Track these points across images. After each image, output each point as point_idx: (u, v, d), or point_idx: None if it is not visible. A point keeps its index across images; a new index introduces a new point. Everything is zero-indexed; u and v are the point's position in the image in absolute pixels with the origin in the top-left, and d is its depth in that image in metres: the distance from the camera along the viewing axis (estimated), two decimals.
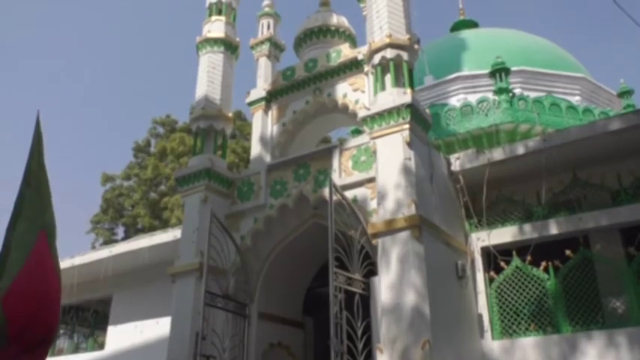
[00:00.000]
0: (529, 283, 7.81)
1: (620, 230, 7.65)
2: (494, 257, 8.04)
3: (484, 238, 8.23)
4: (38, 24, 46.41)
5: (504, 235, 8.17)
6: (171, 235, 11.22)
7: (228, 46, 10.63)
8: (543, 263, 7.71)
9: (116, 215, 25.77)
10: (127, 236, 23.52)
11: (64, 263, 12.93)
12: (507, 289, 7.95)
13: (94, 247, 23.07)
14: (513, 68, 12.79)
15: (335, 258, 6.82)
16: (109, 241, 23.71)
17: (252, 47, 11.46)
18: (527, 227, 8.04)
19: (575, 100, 13.35)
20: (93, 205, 38.02)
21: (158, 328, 11.61)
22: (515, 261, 7.93)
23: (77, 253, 13.24)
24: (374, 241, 7.22)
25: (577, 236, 7.72)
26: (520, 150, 8.15)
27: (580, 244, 7.64)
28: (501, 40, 15.22)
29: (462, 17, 18.50)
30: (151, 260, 11.70)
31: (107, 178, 26.18)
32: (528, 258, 7.81)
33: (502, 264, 7.98)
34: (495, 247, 8.06)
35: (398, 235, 6.97)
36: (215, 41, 10.55)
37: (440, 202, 7.85)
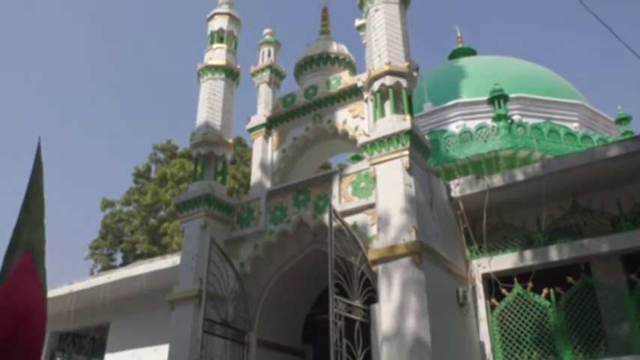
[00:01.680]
0: (531, 310, 7.74)
1: (621, 257, 7.63)
2: (495, 284, 7.99)
3: (485, 265, 8.19)
4: (39, 49, 46.93)
5: (505, 261, 8.14)
6: (170, 261, 11.16)
7: (229, 73, 10.74)
8: (545, 290, 7.65)
9: (115, 241, 25.67)
10: (125, 262, 23.38)
11: (62, 290, 12.87)
12: (509, 316, 7.88)
13: (92, 273, 22.91)
14: (511, 95, 12.89)
15: (335, 285, 6.77)
16: (107, 267, 23.56)
17: (252, 74, 11.58)
18: (528, 254, 8.01)
19: (574, 126, 13.41)
20: (92, 230, 37.86)
21: (156, 356, 11.46)
22: (517, 288, 7.88)
23: (76, 279, 13.16)
24: (374, 268, 7.18)
25: (578, 263, 7.68)
26: (519, 176, 8.17)
27: (581, 270, 7.60)
28: (499, 67, 15.37)
29: (460, 45, 18.70)
30: (150, 287, 11.62)
31: (107, 204, 26.15)
32: (530, 285, 7.76)
33: (503, 291, 7.93)
34: (496, 273, 8.02)
35: (398, 262, 6.93)
36: (216, 68, 10.66)
37: (440, 229, 7.84)
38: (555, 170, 7.91)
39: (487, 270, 8.14)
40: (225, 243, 9.18)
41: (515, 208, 8.49)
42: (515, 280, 7.93)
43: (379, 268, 7.10)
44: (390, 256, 7.02)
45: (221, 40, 11.08)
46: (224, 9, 11.33)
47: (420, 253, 6.89)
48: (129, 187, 26.56)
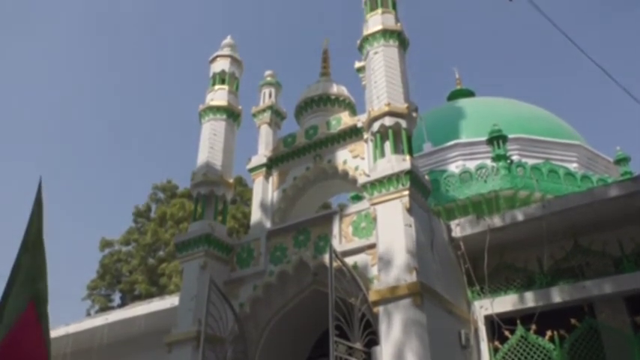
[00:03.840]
0: (535, 353, 7.60)
1: (624, 298, 7.55)
2: (498, 326, 7.87)
3: (487, 306, 8.10)
4: (39, 88, 47.57)
5: (507, 303, 8.05)
6: (169, 302, 11.04)
7: (230, 113, 10.86)
8: (548, 332, 7.54)
9: (113, 281, 25.43)
10: (123, 303, 23.12)
11: (58, 331, 12.66)
12: (513, 359, 7.73)
13: (89, 315, 22.61)
14: (510, 136, 13.01)
15: (335, 326, 6.67)
16: (105, 308, 23.27)
17: (254, 115, 11.71)
18: (530, 295, 7.93)
19: (573, 167, 13.48)
20: (90, 270, 37.56)
21: None
22: (520, 330, 7.76)
23: (72, 321, 12.98)
24: (375, 309, 7.10)
25: (582, 304, 7.59)
26: (520, 216, 8.16)
27: (585, 312, 7.51)
28: (498, 108, 15.55)
29: (458, 86, 18.97)
30: (148, 328, 11.44)
31: (106, 244, 26.01)
32: (533, 327, 7.65)
33: (506, 333, 7.81)
34: (499, 315, 7.91)
35: (399, 303, 6.86)
36: (218, 109, 10.78)
37: (441, 269, 7.78)
38: (556, 210, 7.92)
39: (489, 311, 8.04)
40: (225, 284, 9.10)
41: (517, 248, 8.45)
42: (518, 322, 7.82)
43: (380, 309, 7.02)
44: (390, 297, 6.95)
45: (223, 82, 11.24)
46: (226, 51, 11.55)
47: (422, 294, 6.82)
48: (128, 227, 26.49)
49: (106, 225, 48.15)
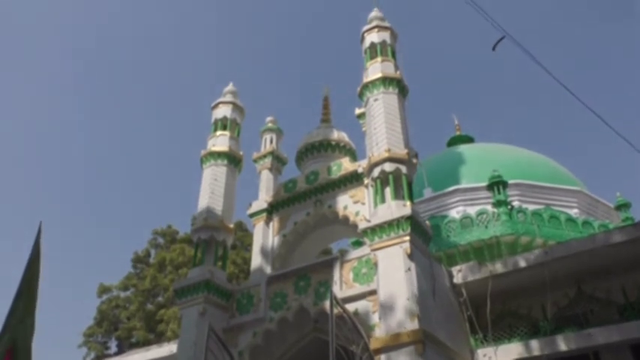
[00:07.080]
0: None
1: (630, 346, 7.41)
2: None
3: (491, 355, 7.94)
4: (39, 134, 48.05)
5: (512, 351, 7.90)
6: (167, 349, 10.85)
7: (232, 159, 10.93)
8: None
9: (111, 328, 24.98)
10: (120, 350, 22.65)
11: None
12: None
13: None
14: (510, 181, 13.04)
15: None
16: (101, 356, 22.80)
17: (254, 160, 11.80)
18: (534, 343, 7.79)
19: (574, 212, 13.45)
20: (87, 317, 37.00)
21: None
22: None
23: None
24: (376, 358, 6.96)
25: (587, 353, 7.45)
26: (522, 263, 8.11)
27: None
28: (497, 154, 15.64)
29: (458, 133, 19.13)
30: None
31: (104, 289, 25.69)
32: None
33: None
34: None
35: (401, 351, 6.74)
36: (219, 154, 10.86)
37: (443, 316, 7.67)
38: (558, 257, 7.88)
39: None
40: (224, 331, 8.95)
41: (520, 295, 8.36)
42: None
43: (381, 357, 6.88)
44: (392, 345, 6.83)
45: (224, 128, 11.37)
46: (228, 98, 11.73)
47: (424, 342, 6.71)
48: (127, 272, 26.22)
49: (104, 272, 47.63)
